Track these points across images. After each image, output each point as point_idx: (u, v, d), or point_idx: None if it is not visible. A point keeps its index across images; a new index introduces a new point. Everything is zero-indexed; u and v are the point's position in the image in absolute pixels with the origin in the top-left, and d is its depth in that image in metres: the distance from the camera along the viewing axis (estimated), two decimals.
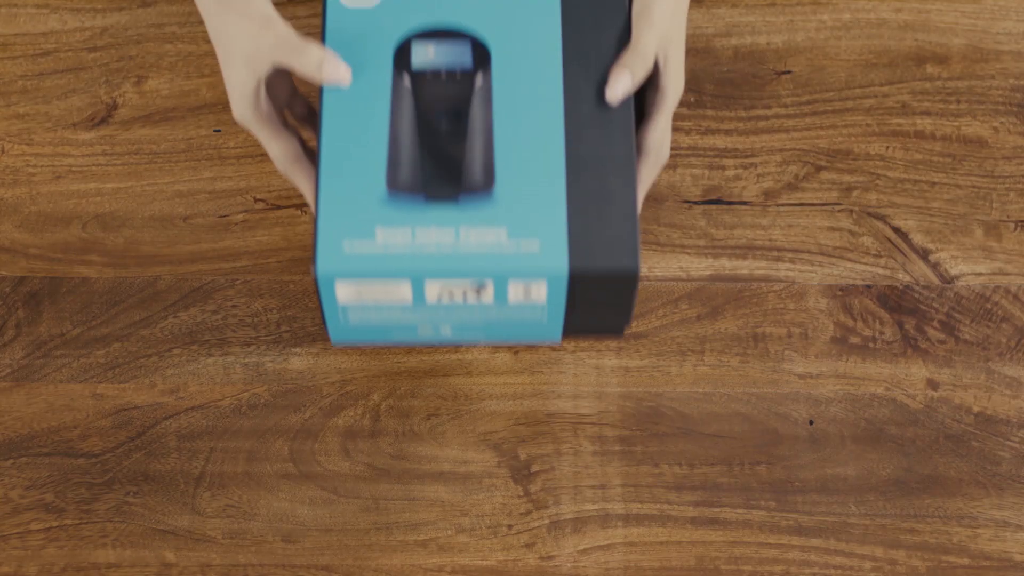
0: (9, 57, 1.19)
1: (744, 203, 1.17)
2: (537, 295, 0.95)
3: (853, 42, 1.21)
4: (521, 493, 1.10)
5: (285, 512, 1.09)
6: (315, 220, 0.93)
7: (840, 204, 1.17)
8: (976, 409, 1.12)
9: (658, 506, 1.10)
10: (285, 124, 0.99)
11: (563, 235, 0.93)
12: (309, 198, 1.00)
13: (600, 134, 0.96)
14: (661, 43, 0.97)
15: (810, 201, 1.17)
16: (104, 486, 1.09)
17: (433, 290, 0.94)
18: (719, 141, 1.18)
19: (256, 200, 1.16)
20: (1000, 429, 1.12)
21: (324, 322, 0.97)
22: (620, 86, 0.96)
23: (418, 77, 0.97)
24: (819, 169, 1.18)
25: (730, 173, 1.17)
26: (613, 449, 1.11)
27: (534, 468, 1.10)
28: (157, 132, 1.17)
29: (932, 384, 1.13)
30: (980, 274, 1.15)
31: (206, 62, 1.19)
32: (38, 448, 1.10)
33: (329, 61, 0.95)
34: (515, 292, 0.94)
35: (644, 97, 1.00)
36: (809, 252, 1.16)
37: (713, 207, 1.17)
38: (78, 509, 1.09)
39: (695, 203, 1.17)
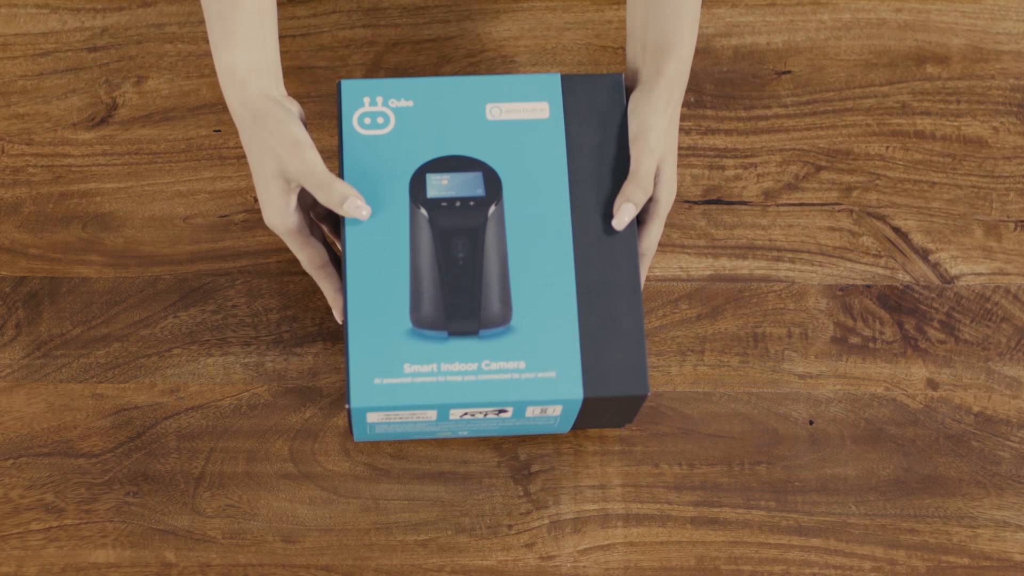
0: (9, 57, 1.19)
1: (744, 203, 1.17)
2: (552, 412, 1.02)
3: (853, 42, 1.21)
4: (521, 493, 1.10)
5: (285, 512, 1.09)
6: (346, 355, 0.99)
7: (840, 204, 1.17)
8: (976, 409, 1.12)
9: (658, 506, 1.10)
10: (312, 232, 1.03)
11: (577, 365, 1.00)
12: (332, 302, 1.05)
13: (607, 261, 1.02)
14: (658, 164, 1.03)
15: (810, 201, 1.17)
16: (104, 486, 1.09)
17: (457, 413, 1.01)
18: (719, 141, 1.18)
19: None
20: (1000, 429, 1.12)
21: (350, 427, 1.04)
22: (626, 216, 1.02)
23: (433, 206, 1.01)
24: (819, 169, 1.18)
25: (730, 173, 1.18)
26: (613, 449, 1.11)
27: (534, 468, 1.10)
28: (157, 132, 1.17)
29: (932, 384, 1.13)
30: (980, 274, 1.15)
31: (206, 62, 1.19)
32: (38, 448, 1.10)
33: (351, 200, 0.99)
34: (532, 411, 1.01)
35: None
36: (809, 252, 1.16)
37: (713, 207, 1.17)
38: (78, 509, 1.09)
39: (695, 203, 1.17)
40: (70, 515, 1.09)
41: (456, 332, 1.00)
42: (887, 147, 1.18)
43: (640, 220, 1.05)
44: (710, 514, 1.10)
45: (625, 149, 1.04)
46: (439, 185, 1.02)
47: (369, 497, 1.09)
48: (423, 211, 1.01)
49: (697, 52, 1.20)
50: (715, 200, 1.17)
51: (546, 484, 1.10)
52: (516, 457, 1.10)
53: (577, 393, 0.99)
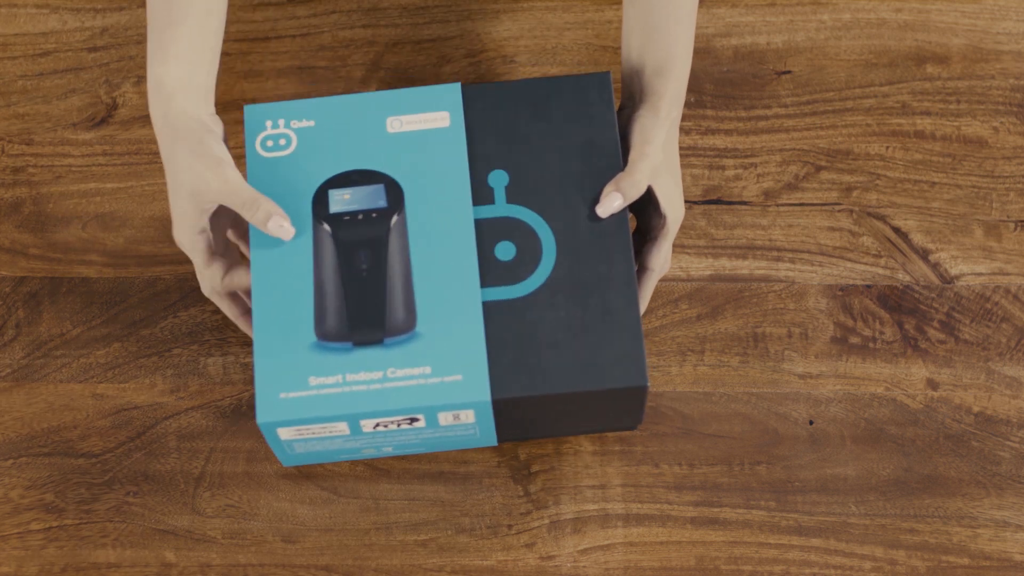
0: (9, 57, 1.19)
1: (744, 203, 1.17)
2: (465, 418, 1.02)
3: (853, 42, 1.21)
4: (521, 493, 1.10)
5: (285, 512, 1.09)
6: (253, 371, 1.00)
7: (840, 204, 1.17)
8: (976, 409, 1.12)
9: (658, 506, 1.10)
10: (217, 254, 1.04)
11: (484, 365, 1.00)
12: (237, 322, 1.07)
13: (600, 255, 1.02)
14: (653, 172, 1.03)
15: (810, 201, 1.17)
16: (104, 486, 1.09)
17: (368, 424, 1.01)
18: (719, 141, 1.18)
19: None
20: (1000, 429, 1.12)
21: (273, 452, 1.05)
22: (611, 204, 1.02)
23: (336, 221, 1.02)
24: (819, 169, 1.18)
25: (730, 173, 1.18)
26: (613, 449, 1.11)
27: (534, 468, 1.10)
28: None
29: (932, 384, 1.13)
30: (980, 274, 1.15)
31: None
32: (38, 448, 1.10)
33: (275, 219, 1.00)
34: (445, 419, 1.01)
35: (648, 223, 1.06)
36: (809, 252, 1.16)
37: (713, 207, 1.17)
38: (78, 509, 1.09)
39: (695, 203, 1.17)
40: (70, 515, 1.09)
41: (361, 342, 1.00)
42: (887, 147, 1.18)
43: (650, 237, 1.06)
44: (710, 514, 1.10)
45: (617, 155, 1.04)
46: (341, 200, 1.03)
47: (369, 497, 1.09)
48: (325, 226, 1.02)
49: (697, 52, 1.20)
50: (715, 200, 1.17)
51: (546, 484, 1.10)
52: (516, 457, 1.10)
53: (484, 395, 0.99)
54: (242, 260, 1.07)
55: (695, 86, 1.19)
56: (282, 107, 1.05)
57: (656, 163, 1.03)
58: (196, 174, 0.99)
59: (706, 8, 1.21)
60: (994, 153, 1.18)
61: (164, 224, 1.15)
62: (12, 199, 1.16)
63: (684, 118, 1.19)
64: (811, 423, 1.12)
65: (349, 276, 1.01)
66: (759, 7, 1.22)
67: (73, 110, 1.18)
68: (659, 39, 1.05)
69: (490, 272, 1.02)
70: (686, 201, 1.17)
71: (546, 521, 1.09)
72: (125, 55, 1.19)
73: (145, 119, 1.18)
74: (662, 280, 1.15)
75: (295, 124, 1.05)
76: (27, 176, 1.16)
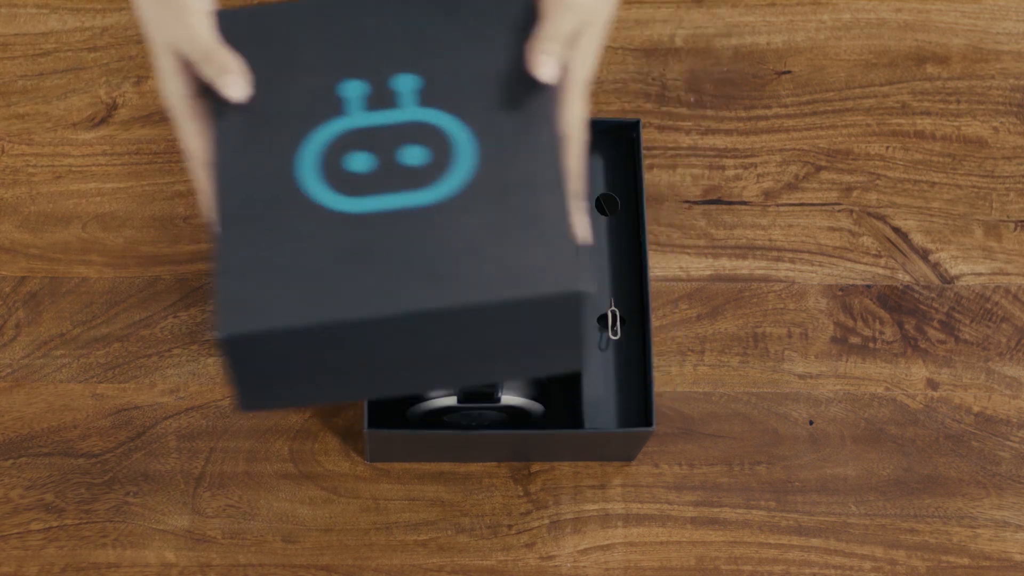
0: (9, 57, 1.19)
1: (744, 203, 1.17)
2: None
3: (853, 42, 1.21)
4: (521, 493, 1.10)
5: (285, 512, 1.09)
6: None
7: (840, 204, 1.17)
8: (976, 409, 1.12)
9: (658, 506, 1.10)
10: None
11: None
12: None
13: (525, 156, 0.88)
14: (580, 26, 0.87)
15: (810, 201, 1.17)
16: (104, 486, 1.09)
17: None
18: (719, 141, 1.18)
19: None
20: (1000, 429, 1.12)
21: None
22: (549, 65, 0.87)
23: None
24: (819, 169, 1.18)
25: (730, 173, 1.18)
26: None
27: (534, 468, 1.10)
28: (157, 132, 1.17)
29: (932, 384, 1.13)
30: (980, 274, 1.15)
31: None
32: (38, 448, 1.10)
33: (231, 76, 0.88)
34: None
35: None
36: (809, 252, 1.16)
37: (713, 207, 1.17)
38: (78, 509, 1.09)
39: (695, 203, 1.17)
40: (70, 515, 1.09)
41: None
42: (887, 147, 1.18)
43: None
44: (710, 514, 1.10)
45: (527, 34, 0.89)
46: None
47: (369, 497, 1.09)
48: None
49: (697, 52, 1.20)
50: (715, 200, 1.17)
51: (546, 484, 1.10)
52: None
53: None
54: None
55: (695, 86, 1.19)
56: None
57: (582, 16, 0.86)
58: (163, 24, 0.87)
59: (706, 8, 1.21)
60: (994, 153, 1.18)
61: (164, 224, 1.15)
62: (12, 199, 1.16)
63: (684, 117, 1.19)
64: (811, 423, 1.12)
65: None
66: (759, 7, 1.22)
67: (73, 110, 1.18)
68: None
69: (393, 177, 0.88)
70: (686, 201, 1.17)
71: (546, 521, 1.09)
72: (125, 55, 1.19)
73: (145, 119, 1.18)
74: (662, 280, 1.15)
75: None
76: (27, 176, 1.16)
